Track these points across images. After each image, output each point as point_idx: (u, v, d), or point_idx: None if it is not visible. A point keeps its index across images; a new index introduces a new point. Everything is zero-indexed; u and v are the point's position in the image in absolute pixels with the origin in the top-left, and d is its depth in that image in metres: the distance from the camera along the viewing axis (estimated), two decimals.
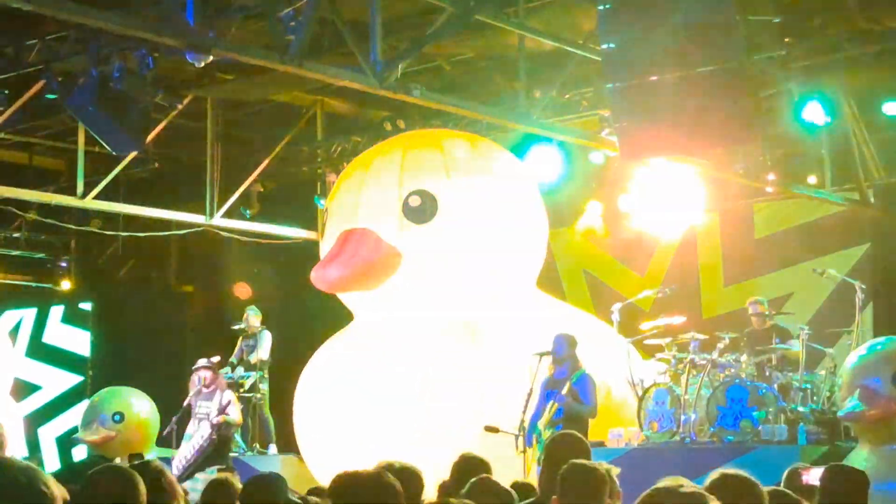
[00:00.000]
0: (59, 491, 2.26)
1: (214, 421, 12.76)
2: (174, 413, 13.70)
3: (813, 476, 8.64)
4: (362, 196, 13.29)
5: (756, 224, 15.66)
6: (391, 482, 3.66)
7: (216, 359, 13.58)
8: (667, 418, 11.45)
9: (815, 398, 11.60)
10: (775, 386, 11.41)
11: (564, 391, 11.03)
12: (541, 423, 10.89)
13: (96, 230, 17.47)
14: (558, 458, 6.00)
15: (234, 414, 12.93)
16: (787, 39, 12.25)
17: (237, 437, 13.81)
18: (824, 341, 12.44)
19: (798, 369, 11.69)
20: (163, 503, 4.34)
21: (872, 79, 13.41)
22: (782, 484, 6.70)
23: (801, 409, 11.33)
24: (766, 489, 4.31)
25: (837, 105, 13.57)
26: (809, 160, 14.63)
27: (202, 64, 10.06)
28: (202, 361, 13.34)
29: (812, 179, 14.52)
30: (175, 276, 19.28)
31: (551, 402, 11.02)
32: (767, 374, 11.71)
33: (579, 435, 6.39)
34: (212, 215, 15.17)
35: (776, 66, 12.65)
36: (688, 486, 3.10)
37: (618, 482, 5.54)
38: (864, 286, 12.52)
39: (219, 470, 11.06)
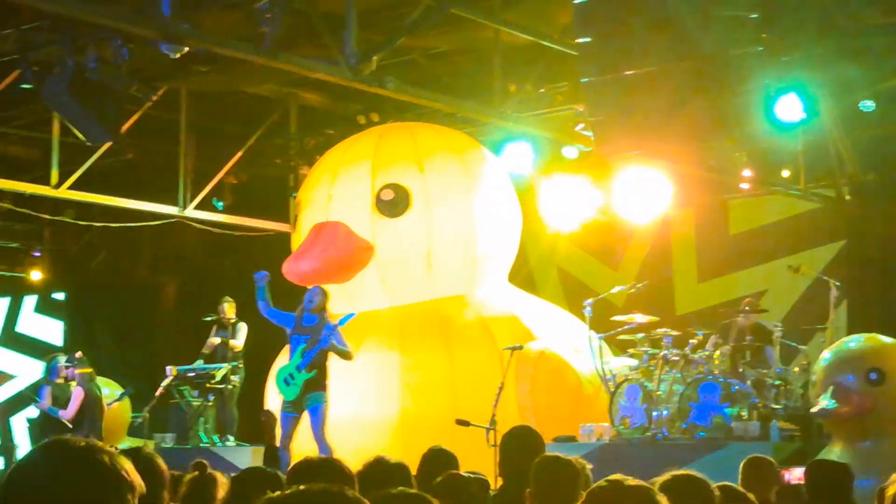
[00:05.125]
0: (138, 480, 2.23)
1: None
2: (146, 403, 13.68)
3: (795, 475, 8.68)
4: (335, 189, 13.27)
5: (731, 220, 15.68)
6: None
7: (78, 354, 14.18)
8: (638, 414, 11.43)
9: (788, 395, 11.61)
10: (748, 382, 11.42)
11: (325, 335, 11.29)
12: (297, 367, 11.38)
13: (70, 220, 17.37)
14: (513, 451, 6.03)
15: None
16: (763, 35, 12.25)
17: (208, 427, 13.76)
18: (798, 338, 12.46)
19: (771, 366, 11.71)
20: (152, 489, 4.27)
21: (849, 75, 13.43)
22: None
23: (774, 405, 11.33)
24: (715, 485, 4.30)
25: (813, 101, 13.59)
26: (785, 157, 14.64)
27: (177, 55, 10.02)
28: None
29: (786, 174, 14.54)
30: (148, 266, 19.19)
31: (307, 344, 11.33)
32: (741, 370, 11.71)
33: (532, 428, 6.43)
34: (184, 207, 15.11)
35: (752, 61, 12.65)
36: (632, 480, 3.10)
37: (592, 478, 5.53)
38: (838, 283, 12.54)
39: None
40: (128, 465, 2.23)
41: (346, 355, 11.47)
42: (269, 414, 12.11)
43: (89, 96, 11.65)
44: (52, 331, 19.31)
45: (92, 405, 13.75)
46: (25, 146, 17.32)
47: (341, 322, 11.41)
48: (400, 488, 2.83)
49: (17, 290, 19.74)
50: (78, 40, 11.57)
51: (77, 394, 13.66)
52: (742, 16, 11.57)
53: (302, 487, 2.35)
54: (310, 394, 11.39)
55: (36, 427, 14.68)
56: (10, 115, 15.60)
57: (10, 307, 19.76)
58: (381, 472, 4.78)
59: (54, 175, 14.41)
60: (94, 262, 19.64)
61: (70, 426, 13.52)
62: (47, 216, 17.46)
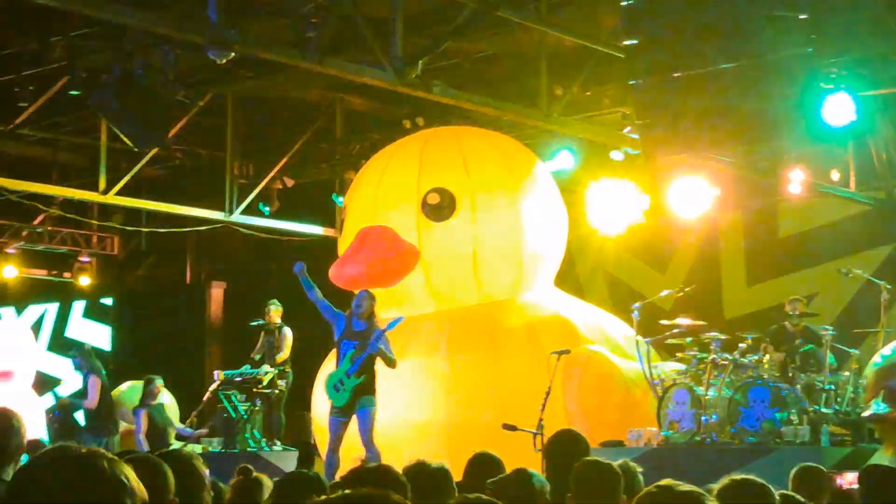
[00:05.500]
0: (140, 487, 2.26)
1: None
2: (193, 407, 13.73)
3: (847, 479, 8.56)
4: (381, 193, 13.27)
5: (780, 223, 15.53)
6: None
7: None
8: (687, 419, 11.33)
9: (838, 399, 11.47)
10: (798, 387, 11.29)
11: (374, 340, 11.29)
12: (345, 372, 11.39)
13: (118, 226, 17.52)
14: (558, 455, 5.96)
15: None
16: (812, 36, 12.13)
17: (255, 432, 13.78)
18: (849, 342, 12.31)
19: (822, 370, 11.57)
20: (193, 491, 4.29)
21: None
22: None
23: (824, 410, 11.19)
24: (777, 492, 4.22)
25: (863, 103, 13.42)
26: (835, 159, 14.50)
27: (223, 60, 10.06)
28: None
29: (835, 176, 14.39)
30: (194, 271, 19.32)
31: (355, 350, 11.32)
32: (790, 374, 11.59)
33: (577, 432, 6.36)
34: (231, 212, 15.20)
35: (802, 63, 12.52)
36: (683, 486, 3.05)
37: (643, 481, 5.47)
38: (889, 286, 12.38)
39: None
40: (129, 472, 2.27)
41: (391, 362, 11.47)
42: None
43: (136, 102, 11.74)
44: (100, 336, 19.46)
45: (109, 392, 13.89)
46: (74, 152, 17.50)
47: (389, 326, 11.40)
48: (475, 495, 2.80)
49: (65, 296, 19.92)
50: (125, 47, 11.66)
51: (93, 382, 13.73)
52: (791, 17, 11.46)
53: (347, 491, 2.34)
54: (359, 398, 11.40)
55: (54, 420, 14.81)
56: (60, 121, 15.75)
57: (59, 312, 19.94)
58: (422, 477, 4.75)
59: (102, 181, 14.54)
60: (141, 267, 19.80)
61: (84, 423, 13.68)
62: (95, 222, 17.63)
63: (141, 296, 19.51)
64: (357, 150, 15.68)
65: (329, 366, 12.37)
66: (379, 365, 11.51)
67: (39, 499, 2.19)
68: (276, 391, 13.90)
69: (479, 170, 13.22)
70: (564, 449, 6.02)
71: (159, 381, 14.03)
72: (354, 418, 11.45)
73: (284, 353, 14.08)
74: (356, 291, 12.87)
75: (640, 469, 5.91)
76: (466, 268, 12.98)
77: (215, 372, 13.79)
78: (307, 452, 11.92)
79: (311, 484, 5.02)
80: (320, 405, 12.99)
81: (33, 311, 20.17)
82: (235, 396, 13.75)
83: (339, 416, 11.52)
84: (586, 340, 12.55)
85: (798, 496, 4.89)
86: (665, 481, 3.09)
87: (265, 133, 16.12)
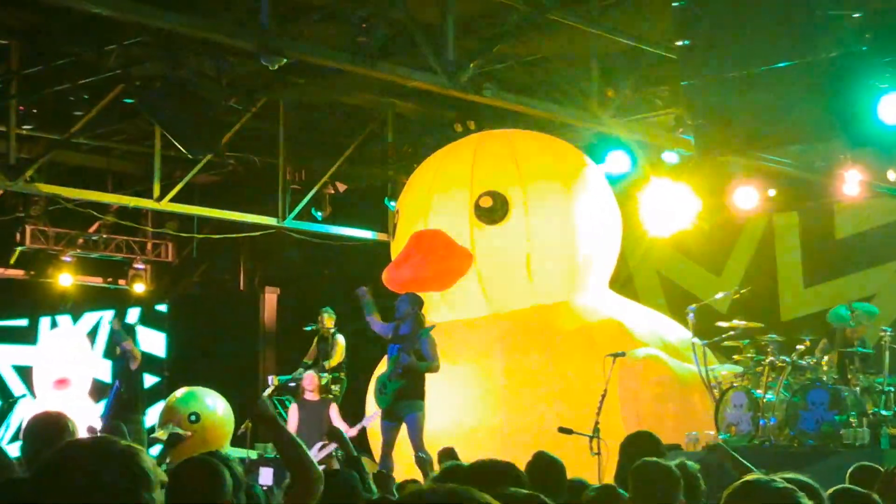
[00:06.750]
0: (156, 472, 2.33)
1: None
2: (249, 413, 13.78)
3: None
4: (433, 197, 13.29)
5: (837, 224, 15.37)
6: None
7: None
8: (745, 422, 11.23)
9: None
10: (857, 389, 11.15)
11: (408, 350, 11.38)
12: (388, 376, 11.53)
13: (172, 232, 17.64)
14: (633, 456, 5.90)
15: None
16: (867, 35, 11.98)
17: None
18: None
19: (881, 372, 11.42)
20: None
21: None
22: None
23: (884, 412, 11.05)
24: (832, 489, 4.16)
25: None
26: (891, 159, 14.32)
27: (275, 66, 10.10)
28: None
29: (892, 176, 14.21)
30: (248, 277, 19.41)
31: (397, 354, 11.44)
32: (849, 376, 11.45)
33: (653, 434, 6.30)
34: (284, 217, 15.26)
35: (857, 61, 12.38)
36: (780, 481, 2.98)
37: (701, 479, 5.41)
38: None
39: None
40: (148, 462, 2.37)
41: (430, 369, 11.45)
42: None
43: (190, 109, 11.83)
44: (155, 343, 19.59)
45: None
46: (128, 160, 17.65)
47: (421, 335, 11.42)
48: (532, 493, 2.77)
49: (121, 303, 20.07)
50: (178, 54, 11.75)
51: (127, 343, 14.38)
52: (846, 15, 11.33)
53: (426, 487, 2.35)
54: (403, 402, 11.41)
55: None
56: (114, 129, 15.90)
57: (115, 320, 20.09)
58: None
59: (156, 188, 14.65)
60: (195, 273, 19.92)
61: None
62: (150, 229, 17.76)
63: (195, 302, 19.62)
64: (409, 154, 15.70)
65: (382, 368, 12.41)
66: None
67: (65, 482, 2.30)
68: (330, 396, 13.91)
69: (531, 172, 13.20)
70: (640, 450, 5.93)
71: (308, 373, 13.18)
72: (405, 424, 11.46)
73: (335, 359, 14.09)
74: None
75: (697, 465, 5.84)
76: (520, 271, 12.95)
77: (269, 377, 13.84)
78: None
79: (347, 482, 5.01)
80: (373, 409, 13.00)
81: (89, 318, 20.33)
82: (290, 402, 13.78)
83: (388, 421, 11.55)
84: (641, 343, 12.48)
85: (855, 487, 4.83)
86: (755, 476, 3.02)
87: (317, 138, 16.18)
